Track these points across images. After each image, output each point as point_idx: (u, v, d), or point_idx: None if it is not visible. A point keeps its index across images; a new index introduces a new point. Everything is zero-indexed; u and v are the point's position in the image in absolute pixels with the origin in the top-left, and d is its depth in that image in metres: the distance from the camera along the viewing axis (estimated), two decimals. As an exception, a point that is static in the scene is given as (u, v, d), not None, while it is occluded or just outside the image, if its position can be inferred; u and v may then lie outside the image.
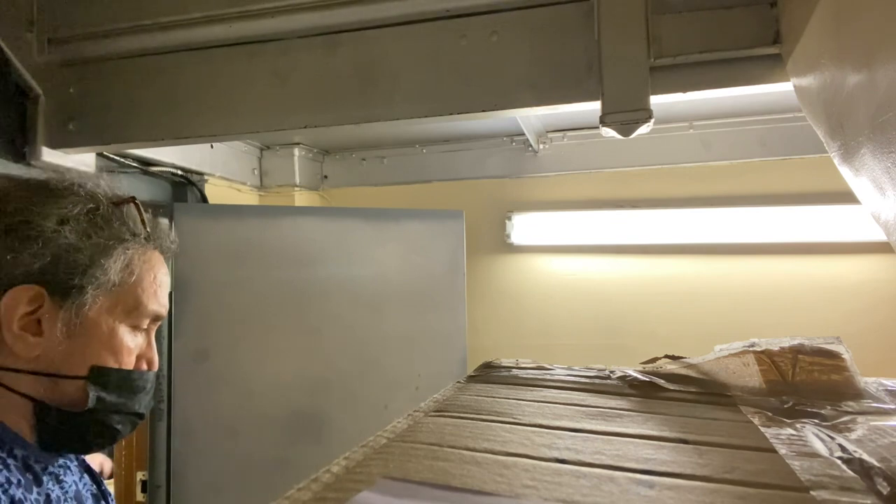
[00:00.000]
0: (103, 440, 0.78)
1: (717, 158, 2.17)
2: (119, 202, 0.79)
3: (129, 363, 0.77)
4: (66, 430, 0.74)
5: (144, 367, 0.80)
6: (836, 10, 0.69)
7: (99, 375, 0.74)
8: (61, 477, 0.77)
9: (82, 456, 0.87)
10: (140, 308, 0.77)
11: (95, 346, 0.74)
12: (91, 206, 0.76)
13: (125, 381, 0.77)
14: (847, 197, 0.92)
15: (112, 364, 0.75)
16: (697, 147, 2.18)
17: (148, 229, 0.80)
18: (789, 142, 2.07)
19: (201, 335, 1.93)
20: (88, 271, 0.72)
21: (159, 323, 0.84)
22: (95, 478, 0.88)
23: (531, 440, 0.53)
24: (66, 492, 0.76)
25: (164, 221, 0.88)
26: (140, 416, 0.81)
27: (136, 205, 0.80)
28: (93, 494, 0.84)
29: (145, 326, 0.80)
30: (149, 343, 0.82)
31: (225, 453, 1.92)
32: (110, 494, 0.89)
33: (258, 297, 1.99)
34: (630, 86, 0.98)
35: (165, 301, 0.82)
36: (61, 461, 0.79)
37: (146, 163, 1.85)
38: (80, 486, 0.82)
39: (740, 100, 1.94)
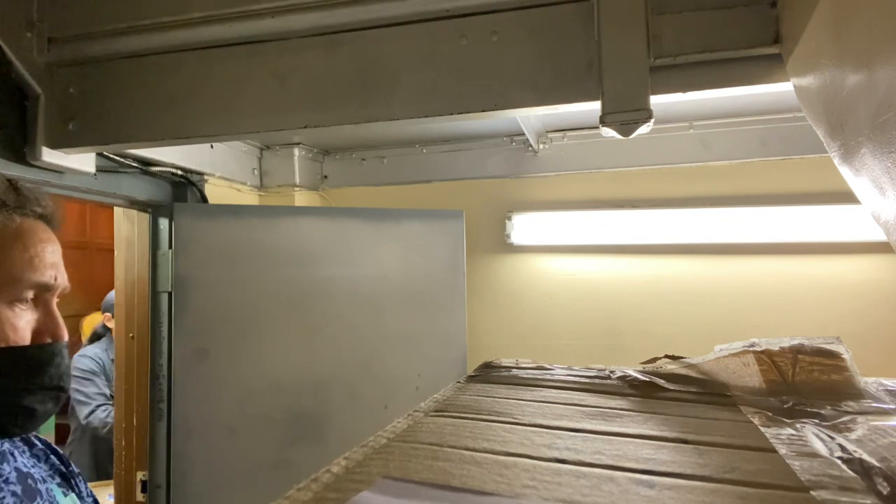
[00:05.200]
0: (23, 421, 0.76)
1: (717, 158, 2.17)
2: None
3: (18, 339, 0.75)
4: None
5: (47, 340, 0.78)
6: (836, 11, 0.69)
7: None
8: None
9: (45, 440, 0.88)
10: (14, 281, 0.74)
11: None
12: None
13: (20, 358, 0.74)
14: (847, 197, 0.92)
15: None
16: (697, 147, 2.18)
17: (3, 199, 0.77)
18: (789, 142, 2.07)
19: (201, 335, 1.92)
20: None
21: (56, 292, 0.80)
22: (63, 459, 0.88)
23: (531, 440, 0.53)
24: (7, 480, 0.75)
25: (38, 188, 0.84)
26: (58, 388, 0.78)
27: None
28: (61, 474, 0.85)
29: (29, 297, 0.77)
30: (49, 315, 0.79)
31: (225, 453, 1.92)
32: (78, 475, 0.89)
33: (258, 297, 1.99)
34: (630, 86, 0.98)
35: (52, 271, 0.78)
36: (1, 447, 0.78)
37: (146, 163, 1.85)
38: (40, 467, 0.82)
39: (740, 100, 1.94)
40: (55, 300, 0.81)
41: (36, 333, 0.78)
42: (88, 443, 3.10)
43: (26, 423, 0.78)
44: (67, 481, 0.86)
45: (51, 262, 0.79)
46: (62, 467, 0.87)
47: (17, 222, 0.77)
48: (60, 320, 0.80)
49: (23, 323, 0.76)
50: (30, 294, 0.77)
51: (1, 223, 0.76)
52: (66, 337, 0.80)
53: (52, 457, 0.87)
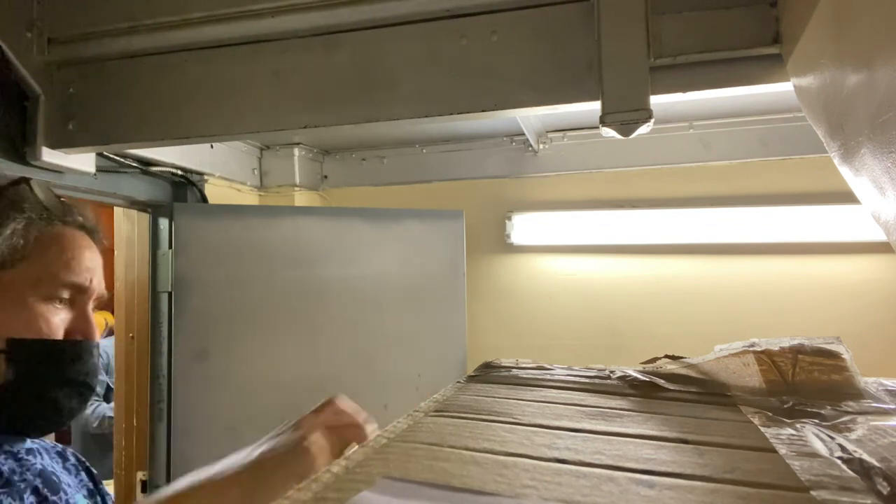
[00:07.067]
0: (49, 415, 0.77)
1: (717, 158, 2.17)
2: (8, 185, 0.80)
3: (51, 334, 0.77)
4: (5, 408, 0.74)
5: (79, 337, 0.80)
6: (836, 10, 0.69)
7: (17, 347, 0.74)
8: (21, 455, 0.76)
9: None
10: (50, 279, 0.77)
11: (4, 319, 0.74)
12: None
13: (50, 351, 0.76)
14: (847, 197, 0.92)
15: (30, 335, 0.75)
16: (697, 147, 2.18)
17: (47, 207, 0.81)
18: (789, 142, 2.07)
19: (201, 335, 1.92)
20: None
21: (93, 296, 0.83)
22: (94, 478, 0.88)
23: (531, 440, 0.53)
24: (28, 469, 0.75)
25: (81, 204, 0.89)
26: (85, 385, 0.79)
27: (29, 186, 0.81)
28: (88, 490, 0.85)
29: (65, 297, 0.79)
30: (83, 316, 0.81)
31: (225, 453, 1.90)
32: (109, 495, 0.89)
33: (258, 297, 1.99)
34: (630, 86, 0.98)
35: (87, 274, 0.81)
36: (28, 445, 0.78)
37: (146, 163, 1.85)
38: (70, 478, 0.82)
39: (740, 100, 1.94)
40: (91, 304, 0.83)
41: (68, 333, 0.79)
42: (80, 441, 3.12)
43: (52, 418, 0.78)
44: (93, 497, 0.86)
45: (87, 266, 0.82)
46: (90, 484, 0.87)
47: (58, 228, 0.81)
48: (94, 323, 0.82)
49: (56, 320, 0.78)
50: (65, 293, 0.79)
51: (42, 228, 0.79)
52: (97, 338, 0.82)
53: (82, 473, 0.87)
